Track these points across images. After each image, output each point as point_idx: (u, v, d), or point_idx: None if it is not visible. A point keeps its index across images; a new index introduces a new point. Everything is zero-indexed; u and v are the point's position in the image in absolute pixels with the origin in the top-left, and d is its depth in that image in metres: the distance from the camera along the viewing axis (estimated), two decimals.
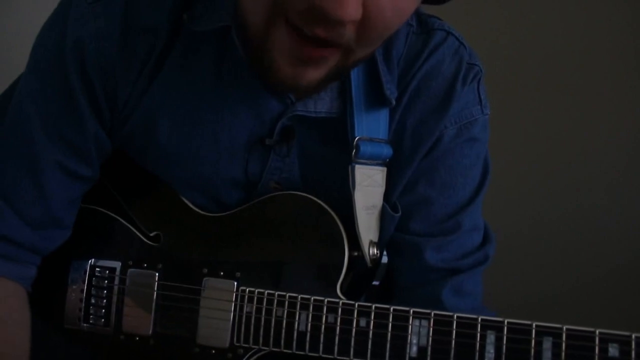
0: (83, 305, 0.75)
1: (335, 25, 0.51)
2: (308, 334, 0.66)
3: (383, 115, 0.70)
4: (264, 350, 0.69)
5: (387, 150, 0.70)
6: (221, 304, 0.70)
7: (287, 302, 0.67)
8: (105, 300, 0.75)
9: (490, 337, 0.60)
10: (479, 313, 0.62)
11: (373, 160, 0.69)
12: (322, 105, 0.68)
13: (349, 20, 0.50)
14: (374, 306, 0.64)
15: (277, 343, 0.67)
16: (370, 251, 0.70)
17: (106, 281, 0.75)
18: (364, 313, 0.65)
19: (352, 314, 0.65)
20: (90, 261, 0.76)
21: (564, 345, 0.58)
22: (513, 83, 1.40)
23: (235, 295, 0.70)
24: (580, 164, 1.43)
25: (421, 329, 0.63)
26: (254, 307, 0.69)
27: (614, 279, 1.39)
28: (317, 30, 0.52)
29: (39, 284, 0.73)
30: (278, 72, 0.57)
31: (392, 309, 0.64)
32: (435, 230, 0.73)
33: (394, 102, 0.69)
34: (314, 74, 0.57)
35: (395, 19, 0.55)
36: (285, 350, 0.67)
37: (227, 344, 0.69)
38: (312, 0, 0.49)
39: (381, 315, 0.64)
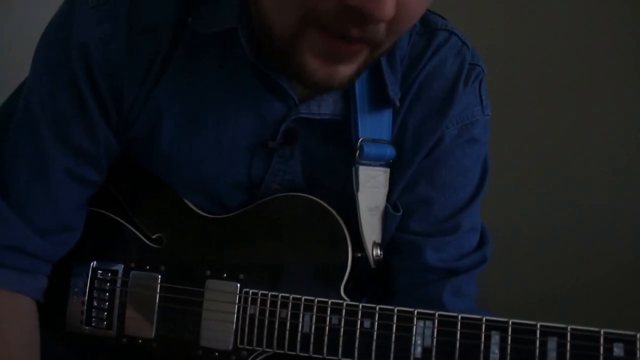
0: (85, 308, 0.75)
1: (371, 24, 0.51)
2: (312, 336, 0.66)
3: (386, 116, 0.70)
4: (268, 352, 0.68)
5: (390, 151, 0.70)
6: (224, 306, 0.70)
7: (290, 304, 0.67)
8: (107, 303, 0.75)
9: (495, 338, 0.60)
10: (477, 314, 0.62)
11: (376, 161, 0.70)
12: (326, 107, 0.68)
13: (388, 19, 0.50)
14: (378, 307, 0.64)
15: (280, 345, 0.67)
16: (374, 252, 0.70)
17: (108, 284, 0.75)
18: (368, 314, 0.64)
19: (356, 315, 0.65)
20: (92, 264, 0.76)
21: (568, 345, 0.58)
22: (513, 83, 1.40)
23: (239, 297, 0.70)
24: (580, 164, 1.43)
25: (425, 330, 0.63)
26: (258, 308, 0.68)
27: (615, 278, 1.40)
28: (352, 30, 0.52)
29: None
30: (312, 74, 0.56)
31: (396, 309, 0.64)
32: (434, 230, 0.73)
33: (397, 103, 0.69)
34: (346, 71, 0.57)
35: (420, 11, 0.55)
36: (289, 352, 0.67)
37: (230, 346, 0.69)
38: (348, 2, 0.49)
39: (385, 316, 0.64)
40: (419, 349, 0.62)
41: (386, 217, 0.72)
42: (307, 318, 0.66)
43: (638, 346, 0.56)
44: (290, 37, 0.54)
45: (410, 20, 0.55)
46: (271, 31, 0.56)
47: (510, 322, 0.60)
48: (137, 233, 0.75)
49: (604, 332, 0.57)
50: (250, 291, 0.69)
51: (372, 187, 0.70)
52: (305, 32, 0.53)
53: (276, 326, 0.67)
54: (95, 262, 0.76)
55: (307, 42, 0.54)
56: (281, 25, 0.55)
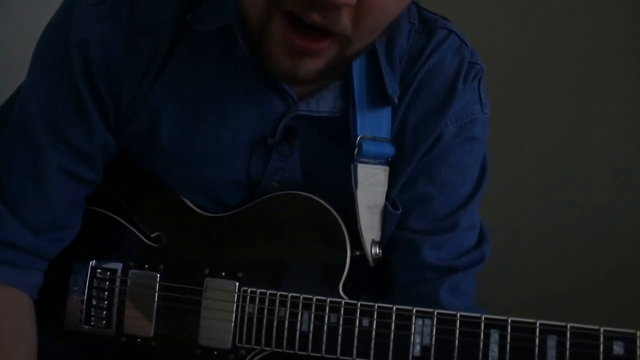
0: (84, 307, 0.75)
1: (330, 9, 0.51)
2: (310, 334, 0.66)
3: (385, 114, 0.70)
4: (267, 350, 0.68)
5: (389, 149, 0.70)
6: (223, 305, 0.70)
7: (289, 302, 0.67)
8: (106, 302, 0.75)
9: (494, 336, 0.60)
10: (475, 312, 0.62)
11: (375, 159, 0.69)
12: (325, 104, 0.68)
13: (343, 3, 0.50)
14: (376, 306, 0.64)
15: (279, 343, 0.67)
16: (373, 250, 0.70)
17: (107, 283, 0.75)
18: (366, 312, 0.64)
19: (355, 314, 0.65)
20: (91, 263, 0.76)
21: (568, 343, 0.57)
22: (513, 83, 1.40)
23: (237, 295, 0.69)
24: (580, 164, 1.43)
25: (424, 328, 0.62)
26: (256, 307, 0.68)
27: (615, 278, 1.39)
28: (312, 16, 0.52)
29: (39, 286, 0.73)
30: (277, 63, 0.57)
31: (395, 308, 0.64)
32: (433, 227, 0.73)
33: (396, 101, 0.69)
34: (311, 65, 0.57)
35: (392, 7, 0.55)
36: (287, 351, 0.67)
37: (229, 345, 0.69)
38: None
39: (384, 314, 0.64)
40: (418, 348, 0.62)
41: (385, 216, 0.72)
42: (305, 316, 0.66)
43: (638, 344, 0.56)
44: (259, 26, 0.56)
45: (382, 15, 0.55)
46: (246, 24, 0.57)
47: (510, 320, 0.60)
48: (136, 232, 0.75)
49: (604, 330, 0.57)
50: (249, 290, 0.69)
51: (371, 185, 0.70)
52: (271, 19, 0.54)
53: (275, 325, 0.67)
54: (94, 261, 0.76)
55: (274, 33, 0.55)
56: (251, 14, 0.56)
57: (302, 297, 0.67)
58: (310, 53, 0.56)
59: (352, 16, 0.53)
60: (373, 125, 0.69)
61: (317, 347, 0.66)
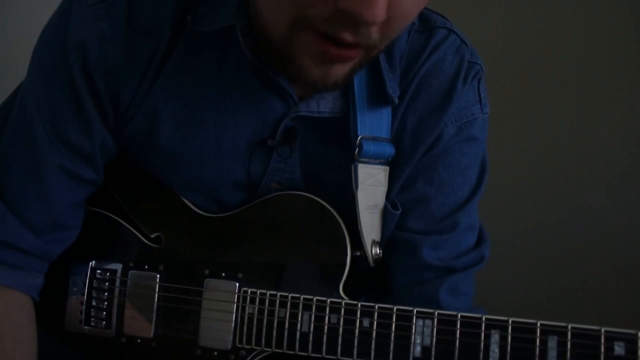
0: (84, 307, 0.75)
1: (363, 27, 0.51)
2: (311, 335, 0.66)
3: (385, 114, 0.70)
4: (267, 351, 0.68)
5: (389, 149, 0.70)
6: (223, 305, 0.70)
7: (289, 303, 0.67)
8: (106, 303, 0.75)
9: (495, 337, 0.60)
10: (474, 313, 0.61)
11: (376, 159, 0.69)
12: (325, 105, 0.68)
13: (378, 22, 0.50)
14: (377, 306, 0.64)
15: (279, 344, 0.67)
16: (373, 251, 0.70)
17: (107, 283, 0.75)
18: (367, 313, 0.64)
19: (355, 314, 0.65)
20: (91, 263, 0.76)
21: (569, 344, 0.57)
22: (513, 83, 1.40)
23: (237, 296, 0.69)
24: (580, 164, 1.43)
25: (425, 329, 0.62)
26: (256, 308, 0.68)
27: (615, 278, 1.39)
28: (344, 35, 0.52)
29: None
30: (307, 72, 0.56)
31: (395, 308, 0.64)
32: (432, 228, 0.73)
33: (396, 101, 0.69)
34: (340, 70, 0.57)
35: (415, 12, 0.55)
36: (288, 352, 0.67)
37: (229, 346, 0.69)
38: (338, 5, 0.49)
39: (384, 315, 0.64)
40: (418, 348, 0.62)
41: (385, 216, 0.72)
42: (306, 317, 0.66)
43: (639, 345, 0.55)
44: (284, 39, 0.55)
45: (405, 21, 0.55)
46: (267, 32, 0.56)
47: (510, 320, 0.60)
48: (136, 232, 0.75)
49: (605, 331, 0.56)
50: (249, 290, 0.69)
51: (371, 185, 0.69)
52: (299, 35, 0.53)
53: (275, 325, 0.67)
54: (94, 261, 0.76)
55: (301, 44, 0.54)
56: (275, 27, 0.55)
57: (302, 297, 0.67)
58: (340, 60, 0.56)
59: (383, 28, 0.53)
60: (373, 125, 0.68)
61: (317, 347, 0.65)
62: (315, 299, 0.66)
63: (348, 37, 0.52)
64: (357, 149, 0.68)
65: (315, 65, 0.56)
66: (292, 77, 0.60)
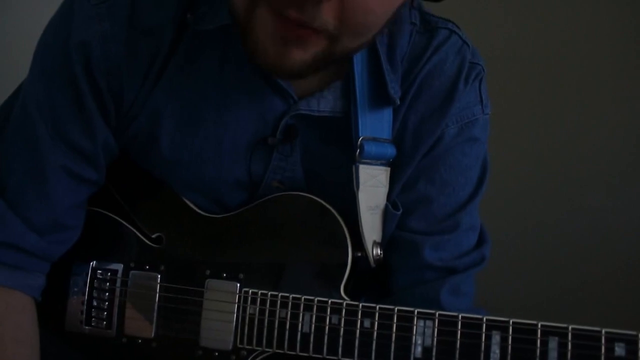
0: (85, 308, 0.75)
1: (306, 5, 0.51)
2: (312, 335, 0.66)
3: (387, 115, 0.70)
4: (268, 352, 0.68)
5: (390, 150, 0.70)
6: (224, 306, 0.70)
7: (290, 303, 0.67)
8: (107, 303, 0.74)
9: (496, 337, 0.60)
10: (475, 313, 0.62)
11: (377, 160, 0.69)
12: (326, 104, 0.68)
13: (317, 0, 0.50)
14: (378, 307, 0.64)
15: (280, 345, 0.67)
16: (374, 251, 0.70)
17: (108, 283, 0.75)
18: (368, 314, 0.64)
19: (356, 315, 0.65)
20: (91, 263, 0.76)
21: (569, 345, 0.57)
22: (514, 83, 1.40)
23: (238, 296, 0.69)
24: (580, 164, 1.43)
25: (426, 330, 0.62)
26: (257, 308, 0.68)
27: (615, 278, 1.39)
28: (290, 11, 0.51)
29: None
30: (264, 52, 0.56)
31: (396, 309, 0.64)
32: (433, 228, 0.73)
33: (398, 102, 0.69)
34: (298, 55, 0.56)
35: (379, 7, 0.54)
36: (289, 352, 0.67)
37: (230, 346, 0.69)
38: None
39: (385, 315, 0.64)
40: (419, 349, 0.62)
41: (386, 216, 0.72)
42: (306, 318, 0.66)
43: None
44: (245, 16, 0.55)
45: (368, 14, 0.54)
46: (233, 13, 0.56)
47: (511, 321, 0.60)
48: (137, 233, 0.75)
49: (606, 332, 0.57)
50: (250, 291, 0.69)
51: (372, 186, 0.69)
52: (255, 10, 0.53)
53: (276, 326, 0.67)
54: (94, 261, 0.76)
55: (260, 21, 0.54)
56: (237, 4, 0.55)
57: (303, 298, 0.67)
58: (296, 41, 0.55)
59: (337, 14, 0.52)
60: (374, 126, 0.68)
61: (318, 348, 0.66)
62: (316, 299, 0.66)
63: (293, 13, 0.51)
64: (358, 150, 0.68)
65: (272, 45, 0.55)
66: (251, 59, 0.58)
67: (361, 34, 0.57)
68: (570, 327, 0.58)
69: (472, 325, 0.61)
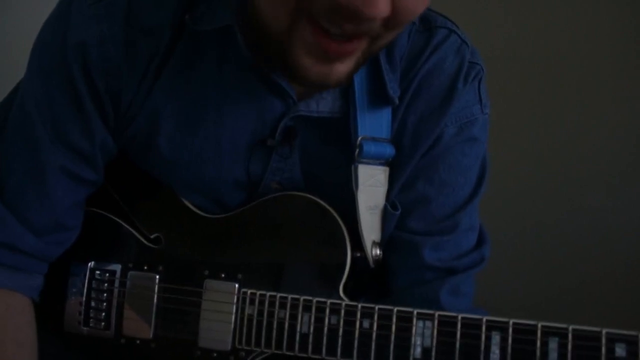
0: (83, 308, 0.75)
1: (364, 22, 0.50)
2: (311, 336, 0.66)
3: (385, 114, 0.69)
4: (266, 352, 0.68)
5: (389, 150, 0.70)
6: (222, 306, 0.69)
7: (289, 304, 0.67)
8: (105, 304, 0.74)
9: (496, 338, 0.60)
10: (474, 313, 0.61)
11: (376, 159, 0.69)
12: (325, 105, 0.68)
13: (381, 17, 0.49)
14: (377, 307, 0.64)
15: (279, 345, 0.67)
16: (373, 252, 0.70)
17: (106, 284, 0.75)
18: (367, 314, 0.64)
19: (355, 316, 0.64)
20: (90, 264, 0.76)
21: (570, 345, 0.57)
22: (514, 83, 1.40)
23: (237, 297, 0.69)
24: (580, 164, 1.42)
25: (425, 330, 0.62)
26: (256, 309, 0.68)
27: (616, 279, 1.39)
28: (345, 27, 0.51)
29: None
30: (306, 72, 0.55)
31: (395, 309, 0.63)
32: (433, 228, 0.73)
33: (397, 101, 0.69)
34: (342, 68, 0.56)
35: (421, 7, 0.54)
36: (287, 353, 0.67)
37: (229, 347, 0.69)
38: (339, 0, 0.48)
39: (384, 316, 0.64)
40: (419, 350, 0.62)
41: (385, 216, 0.71)
42: (305, 318, 0.66)
43: None
44: (283, 32, 0.54)
45: (410, 16, 0.54)
46: (265, 28, 0.55)
47: (511, 322, 0.59)
48: (135, 233, 0.75)
49: (606, 332, 0.56)
50: (249, 291, 0.69)
51: (371, 185, 0.69)
52: (298, 27, 0.52)
53: (274, 326, 0.67)
54: (93, 262, 0.76)
55: (299, 38, 0.53)
56: (274, 19, 0.54)
57: (302, 298, 0.66)
58: (341, 57, 0.54)
59: (384, 20, 0.52)
60: (373, 125, 0.68)
61: (317, 349, 0.65)
62: (315, 300, 0.66)
63: (349, 28, 0.51)
64: (357, 150, 0.67)
65: (315, 63, 0.55)
66: (290, 77, 0.58)
67: (399, 31, 0.57)
68: (570, 328, 0.57)
69: (471, 326, 0.61)
